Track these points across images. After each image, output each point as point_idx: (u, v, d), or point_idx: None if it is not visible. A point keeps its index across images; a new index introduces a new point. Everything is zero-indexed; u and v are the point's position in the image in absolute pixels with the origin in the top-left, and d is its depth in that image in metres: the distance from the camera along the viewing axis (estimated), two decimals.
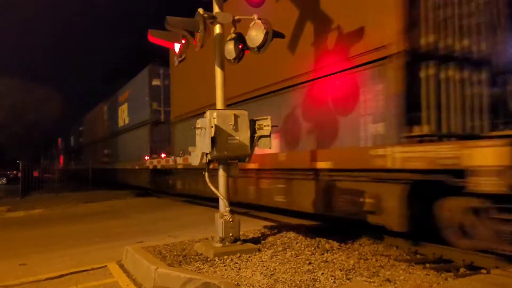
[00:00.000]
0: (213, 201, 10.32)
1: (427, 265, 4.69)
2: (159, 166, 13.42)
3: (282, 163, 7.45)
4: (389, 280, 3.76)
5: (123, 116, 20.00)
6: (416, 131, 5.02)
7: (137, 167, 16.78)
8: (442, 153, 4.44)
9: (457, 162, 4.27)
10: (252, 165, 8.51)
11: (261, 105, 8.18)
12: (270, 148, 5.07)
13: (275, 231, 6.11)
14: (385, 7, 5.22)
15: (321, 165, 6.27)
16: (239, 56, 5.38)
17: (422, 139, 4.97)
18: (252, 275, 3.98)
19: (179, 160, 11.79)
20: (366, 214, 5.63)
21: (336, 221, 6.69)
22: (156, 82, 16.12)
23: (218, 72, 5.24)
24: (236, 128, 4.85)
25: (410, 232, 5.13)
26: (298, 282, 3.72)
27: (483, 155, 4.12)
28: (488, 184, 4.06)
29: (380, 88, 5.32)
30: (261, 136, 5.05)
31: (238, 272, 4.10)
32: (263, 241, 5.43)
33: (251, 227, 6.41)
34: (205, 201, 11.80)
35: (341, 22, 5.84)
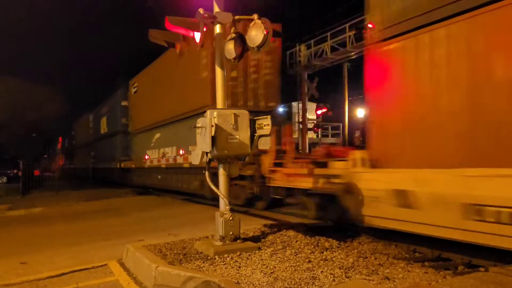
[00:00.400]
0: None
1: (426, 263, 4.73)
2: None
3: (162, 165, 15.00)
4: (388, 278, 3.79)
5: (103, 126, 25.20)
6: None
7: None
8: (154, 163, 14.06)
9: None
10: (151, 164, 16.41)
11: (164, 130, 15.19)
12: (269, 147, 5.09)
13: (275, 229, 6.14)
14: (203, 87, 11.20)
15: (185, 165, 12.61)
16: (239, 56, 5.39)
17: None
18: (252, 273, 4.00)
19: (180, 159, 12.62)
20: (200, 189, 11.78)
21: (336, 221, 6.75)
22: (124, 103, 20.84)
23: (218, 72, 5.25)
24: (236, 128, 4.88)
25: (210, 197, 10.76)
26: (297, 280, 3.74)
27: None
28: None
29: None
30: (261, 135, 5.07)
31: (238, 270, 4.13)
32: (263, 240, 5.46)
33: (251, 225, 6.44)
34: (203, 199, 11.87)
35: (191, 91, 12.32)
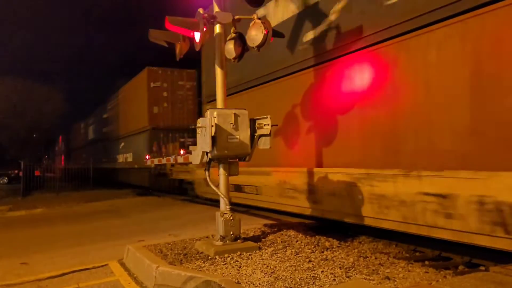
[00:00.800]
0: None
1: (426, 262, 4.73)
2: (126, 166, 21.73)
3: (125, 166, 21.56)
4: (388, 278, 3.79)
5: (91, 133, 32.00)
6: (155, 155, 15.78)
7: (112, 166, 25.03)
8: (155, 162, 14.98)
9: (151, 164, 16.06)
10: (119, 166, 22.74)
11: (125, 141, 21.42)
12: (269, 147, 5.06)
13: (275, 229, 6.14)
14: (144, 113, 17.87)
15: (136, 166, 18.90)
16: (239, 56, 5.39)
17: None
18: (253, 273, 4.01)
19: (180, 159, 13.20)
20: (146, 182, 17.78)
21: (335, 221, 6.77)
22: (105, 115, 26.81)
23: (218, 71, 5.25)
24: (236, 127, 4.88)
25: (150, 187, 17.78)
26: (298, 279, 3.74)
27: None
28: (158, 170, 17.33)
29: (146, 140, 17.64)
30: (261, 135, 5.06)
31: (238, 270, 4.13)
32: (263, 239, 5.46)
33: (251, 225, 6.44)
34: (202, 200, 11.89)
35: (139, 115, 18.79)
